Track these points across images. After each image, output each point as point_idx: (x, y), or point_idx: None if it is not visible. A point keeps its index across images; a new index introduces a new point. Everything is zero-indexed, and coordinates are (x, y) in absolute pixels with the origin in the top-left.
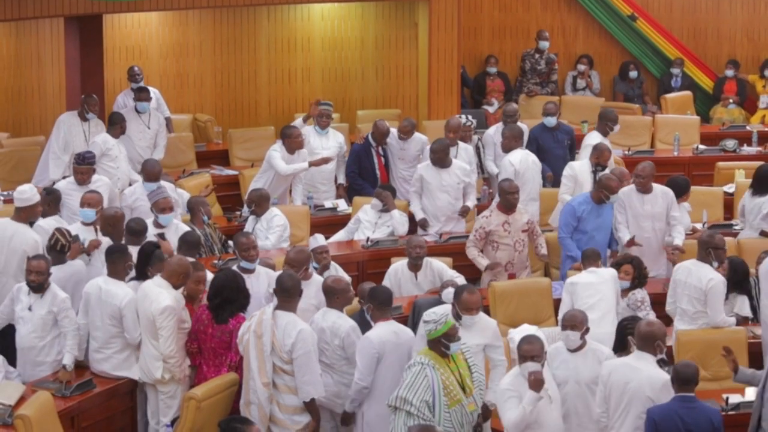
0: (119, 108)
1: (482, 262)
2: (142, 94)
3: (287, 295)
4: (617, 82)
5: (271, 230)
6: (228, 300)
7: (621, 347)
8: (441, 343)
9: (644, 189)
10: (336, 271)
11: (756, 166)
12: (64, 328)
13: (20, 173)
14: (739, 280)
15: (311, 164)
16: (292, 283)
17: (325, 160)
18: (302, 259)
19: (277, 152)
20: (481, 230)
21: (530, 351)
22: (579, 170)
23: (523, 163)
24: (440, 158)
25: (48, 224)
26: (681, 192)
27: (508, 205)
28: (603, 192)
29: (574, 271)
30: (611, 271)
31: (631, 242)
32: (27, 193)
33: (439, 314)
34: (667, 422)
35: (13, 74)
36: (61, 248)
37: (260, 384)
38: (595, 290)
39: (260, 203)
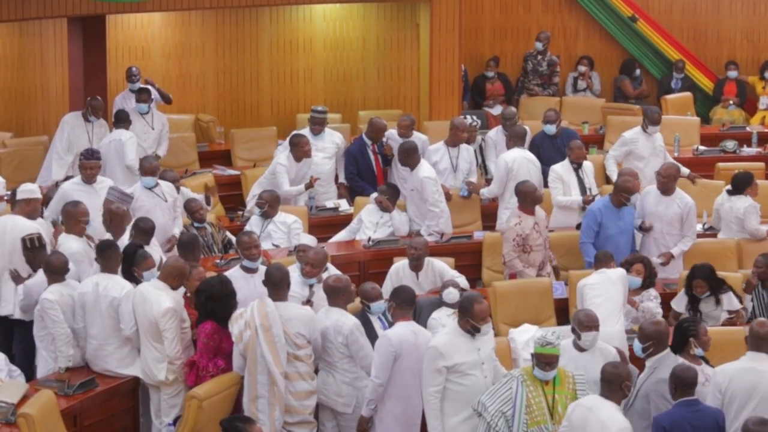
0: (118, 108)
1: (531, 274)
2: (142, 96)
3: (278, 286)
4: (621, 78)
5: (293, 233)
6: (206, 305)
7: (681, 348)
8: (533, 362)
9: (664, 189)
10: (328, 270)
11: (756, 167)
12: (51, 330)
13: (23, 173)
14: (716, 283)
15: (307, 187)
16: (281, 275)
17: (313, 181)
18: (320, 258)
19: (283, 167)
20: (519, 238)
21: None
22: (561, 171)
23: (517, 161)
24: (400, 159)
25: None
26: (744, 186)
27: (534, 204)
28: (622, 195)
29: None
30: (620, 271)
31: (646, 228)
32: (31, 186)
33: (549, 338)
34: (678, 429)
35: (17, 74)
36: (40, 244)
37: (278, 375)
38: (602, 290)
39: (273, 204)
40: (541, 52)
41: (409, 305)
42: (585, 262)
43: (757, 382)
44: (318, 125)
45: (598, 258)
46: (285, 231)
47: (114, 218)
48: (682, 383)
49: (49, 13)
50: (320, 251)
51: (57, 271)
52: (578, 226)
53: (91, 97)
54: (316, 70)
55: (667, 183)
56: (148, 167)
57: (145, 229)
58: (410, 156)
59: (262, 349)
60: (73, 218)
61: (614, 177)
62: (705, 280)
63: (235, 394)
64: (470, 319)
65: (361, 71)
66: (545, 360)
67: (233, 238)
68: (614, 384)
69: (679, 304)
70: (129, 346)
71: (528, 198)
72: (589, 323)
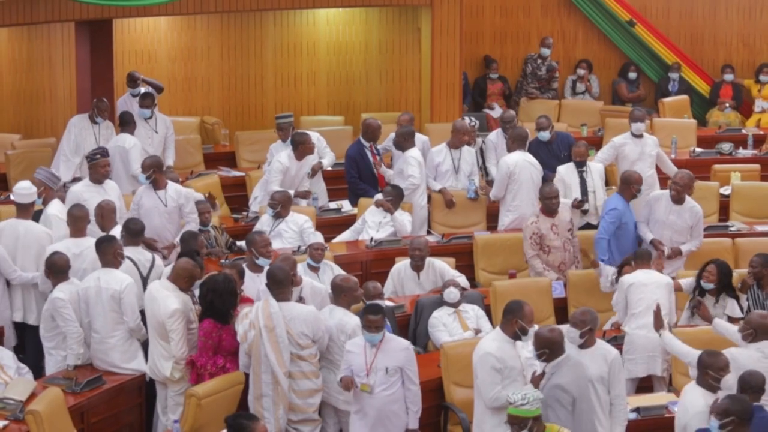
0: (121, 111)
1: (550, 277)
2: (145, 101)
3: (281, 286)
4: (618, 81)
5: (305, 232)
6: (206, 296)
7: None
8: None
9: (678, 198)
10: (332, 269)
11: (751, 168)
12: (62, 328)
13: (32, 174)
14: (727, 283)
15: (296, 195)
16: (283, 275)
17: (308, 193)
18: (288, 265)
19: (281, 165)
20: (536, 236)
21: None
22: (565, 173)
23: (518, 164)
24: (397, 142)
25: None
26: None
27: (550, 209)
28: (633, 186)
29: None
30: (666, 278)
31: (657, 244)
32: (31, 189)
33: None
34: None
35: (25, 77)
36: None
37: (282, 374)
38: (651, 292)
39: (285, 205)
40: (543, 57)
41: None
42: (597, 256)
43: None
44: (283, 131)
45: (639, 255)
46: (296, 231)
47: (105, 213)
48: (748, 387)
49: (58, 17)
50: (287, 258)
51: (62, 270)
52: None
53: (97, 99)
54: (320, 73)
55: (683, 191)
56: (144, 164)
57: (134, 231)
58: (407, 140)
59: (266, 349)
60: (82, 221)
61: None
62: (717, 268)
63: (239, 394)
64: (520, 320)
65: (364, 74)
66: (509, 420)
67: (239, 243)
68: (699, 370)
69: (687, 286)
70: (131, 340)
71: (543, 201)
72: (570, 318)
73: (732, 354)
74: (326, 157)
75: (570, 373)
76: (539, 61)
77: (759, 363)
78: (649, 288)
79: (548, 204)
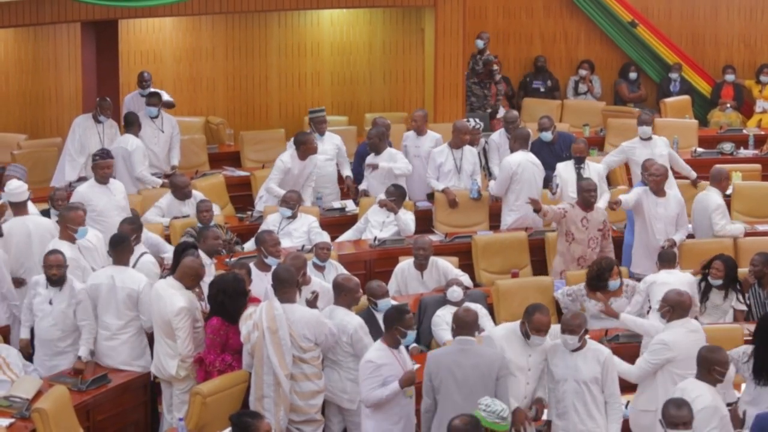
0: (128, 110)
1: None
2: (152, 99)
3: (286, 286)
4: (619, 81)
5: (312, 231)
6: (216, 297)
7: None
8: None
9: (657, 189)
10: (336, 269)
11: (752, 168)
12: (80, 321)
13: (37, 174)
14: (734, 277)
15: None
16: (288, 275)
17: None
18: (299, 264)
19: (283, 164)
20: (561, 210)
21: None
22: (563, 169)
23: (521, 164)
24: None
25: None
26: None
27: (586, 203)
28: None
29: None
30: (688, 276)
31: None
32: (22, 186)
33: (497, 412)
34: None
35: (31, 78)
36: None
37: (283, 376)
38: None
39: (299, 204)
40: (480, 51)
41: None
42: (625, 251)
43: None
44: (323, 124)
45: (662, 257)
46: (305, 230)
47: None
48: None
49: (63, 18)
50: (298, 256)
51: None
52: None
53: (100, 98)
54: (324, 73)
55: (661, 181)
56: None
57: (141, 225)
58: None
59: (268, 350)
60: (63, 223)
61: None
62: (724, 264)
63: (243, 392)
64: (527, 323)
65: (368, 75)
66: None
67: (242, 247)
68: (703, 367)
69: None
70: (141, 337)
71: (582, 194)
72: (564, 327)
73: (664, 339)
74: (345, 166)
75: (450, 357)
76: (478, 56)
77: (688, 338)
78: (670, 287)
79: (586, 197)
